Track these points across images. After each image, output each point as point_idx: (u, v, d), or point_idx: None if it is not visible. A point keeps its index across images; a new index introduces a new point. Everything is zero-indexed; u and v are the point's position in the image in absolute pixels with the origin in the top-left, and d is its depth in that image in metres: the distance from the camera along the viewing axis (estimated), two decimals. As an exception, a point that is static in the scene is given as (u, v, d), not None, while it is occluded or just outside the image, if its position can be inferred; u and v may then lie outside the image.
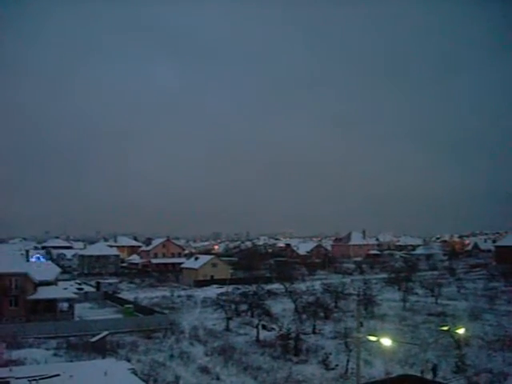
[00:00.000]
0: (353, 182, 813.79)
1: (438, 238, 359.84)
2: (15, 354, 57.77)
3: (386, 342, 38.51)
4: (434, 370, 49.24)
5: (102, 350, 60.13)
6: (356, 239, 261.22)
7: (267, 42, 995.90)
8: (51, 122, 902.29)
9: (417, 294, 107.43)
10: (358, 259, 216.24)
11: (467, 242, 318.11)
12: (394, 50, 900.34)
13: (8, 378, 39.47)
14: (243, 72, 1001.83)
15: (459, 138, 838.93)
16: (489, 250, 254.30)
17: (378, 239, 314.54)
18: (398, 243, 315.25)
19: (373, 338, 41.41)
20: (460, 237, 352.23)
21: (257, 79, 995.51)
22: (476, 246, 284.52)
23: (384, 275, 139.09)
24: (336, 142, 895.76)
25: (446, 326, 55.25)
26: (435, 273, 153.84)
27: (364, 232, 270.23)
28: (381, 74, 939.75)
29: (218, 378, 50.75)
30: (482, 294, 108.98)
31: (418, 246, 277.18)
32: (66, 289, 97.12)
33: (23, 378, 39.20)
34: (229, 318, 77.83)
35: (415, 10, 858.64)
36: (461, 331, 50.68)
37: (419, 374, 46.36)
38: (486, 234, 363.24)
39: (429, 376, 46.39)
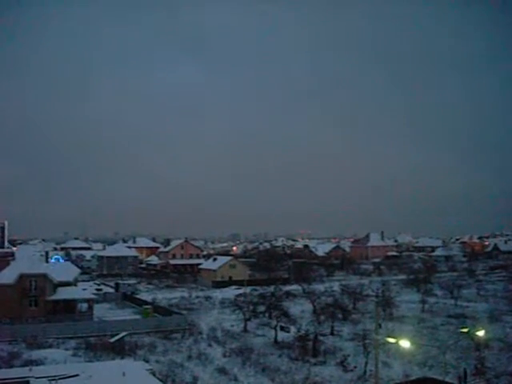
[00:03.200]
0: (371, 184, 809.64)
1: (457, 239, 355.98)
2: (35, 354, 58.36)
3: (405, 343, 38.31)
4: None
5: (120, 350, 60.44)
6: (374, 240, 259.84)
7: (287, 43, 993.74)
8: (70, 124, 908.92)
9: (436, 295, 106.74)
10: (377, 260, 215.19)
11: (487, 243, 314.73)
12: (412, 48, 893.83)
13: (28, 377, 39.74)
14: (263, 73, 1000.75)
15: (480, 138, 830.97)
16: (509, 252, 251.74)
17: (396, 240, 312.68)
18: (416, 244, 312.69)
19: (392, 340, 41.21)
20: (480, 238, 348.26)
21: (276, 80, 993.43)
22: (496, 247, 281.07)
23: (403, 276, 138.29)
24: (354, 143, 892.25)
25: (466, 328, 54.88)
26: (454, 274, 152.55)
27: (382, 233, 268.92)
28: (401, 75, 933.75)
29: (235, 379, 50.78)
30: (503, 296, 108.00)
31: (437, 247, 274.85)
32: (85, 289, 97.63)
33: (43, 377, 39.43)
34: (247, 319, 77.79)
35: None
36: (481, 333, 50.32)
37: (439, 377, 45.98)
38: (507, 235, 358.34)
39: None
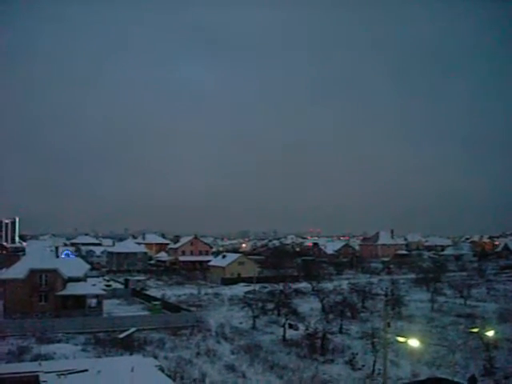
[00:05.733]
0: (382, 182, 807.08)
1: (467, 239, 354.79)
2: (45, 349, 58.70)
3: (414, 343, 38.25)
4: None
5: (129, 346, 60.66)
6: (384, 239, 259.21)
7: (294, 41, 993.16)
8: (80, 121, 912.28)
9: (445, 294, 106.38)
10: (386, 259, 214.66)
11: (497, 242, 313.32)
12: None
13: (37, 372, 39.98)
14: (276, 70, 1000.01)
15: (493, 136, 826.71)
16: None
17: (406, 239, 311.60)
18: (426, 243, 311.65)
19: (401, 339, 41.16)
20: (490, 238, 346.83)
21: (288, 77, 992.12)
22: (506, 247, 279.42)
23: (412, 275, 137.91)
24: (365, 141, 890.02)
25: (475, 327, 54.68)
26: (464, 274, 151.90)
27: (392, 232, 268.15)
28: (418, 73, 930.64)
29: (244, 376, 50.84)
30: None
31: (447, 246, 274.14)
32: (94, 285, 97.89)
33: (52, 372, 39.65)
34: (255, 317, 77.85)
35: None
36: (490, 333, 50.10)
37: (448, 377, 45.82)
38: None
39: None
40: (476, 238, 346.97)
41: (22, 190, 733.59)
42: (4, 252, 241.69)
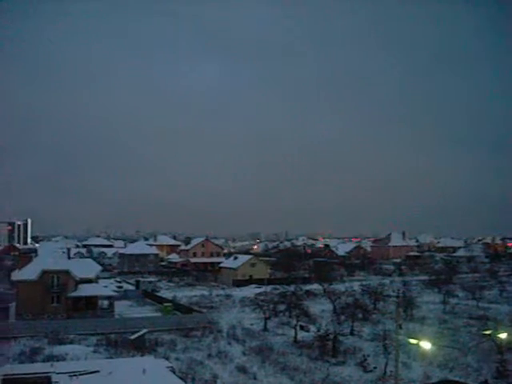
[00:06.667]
0: (393, 183, 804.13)
1: (479, 240, 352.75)
2: (57, 350, 58.97)
3: (426, 345, 38.01)
4: None
5: (140, 347, 60.85)
6: (396, 240, 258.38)
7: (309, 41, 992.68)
8: (92, 122, 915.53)
9: (457, 296, 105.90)
10: (398, 260, 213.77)
11: (510, 244, 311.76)
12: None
13: (49, 373, 40.15)
14: (290, 72, 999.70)
15: (506, 137, 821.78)
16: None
17: (418, 240, 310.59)
18: (438, 245, 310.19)
19: (413, 341, 40.91)
20: (503, 239, 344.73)
21: (303, 79, 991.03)
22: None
23: (424, 277, 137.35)
24: (373, 142, 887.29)
25: (488, 329, 54.35)
26: (476, 275, 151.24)
27: (404, 233, 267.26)
28: (436, 75, 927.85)
29: (255, 378, 50.85)
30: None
31: (459, 247, 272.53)
32: (106, 286, 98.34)
33: (64, 373, 39.80)
34: (267, 318, 77.80)
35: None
36: (503, 336, 49.79)
37: (461, 380, 45.60)
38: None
39: None
40: (488, 240, 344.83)
41: (34, 192, 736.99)
42: (16, 253, 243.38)
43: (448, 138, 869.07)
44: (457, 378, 47.83)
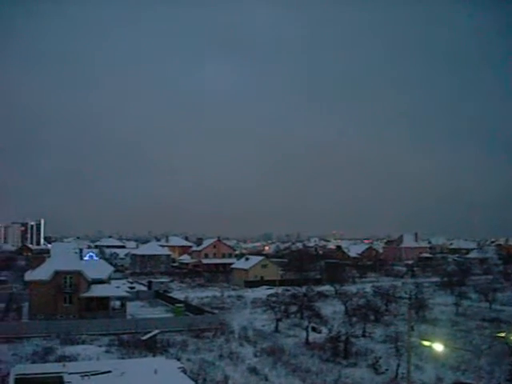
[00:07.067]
0: (405, 185, 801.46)
1: (492, 242, 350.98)
2: (69, 350, 59.24)
3: (438, 347, 37.86)
4: None
5: (152, 348, 60.96)
6: (408, 242, 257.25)
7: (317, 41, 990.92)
8: (105, 124, 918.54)
9: (470, 298, 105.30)
10: (410, 262, 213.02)
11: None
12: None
13: (61, 373, 40.28)
14: (302, 72, 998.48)
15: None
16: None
17: (430, 242, 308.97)
18: (451, 246, 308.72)
19: (425, 343, 40.76)
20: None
21: (315, 79, 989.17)
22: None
23: (436, 279, 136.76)
24: (388, 143, 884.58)
25: (501, 332, 53.99)
26: (489, 277, 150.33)
27: (416, 234, 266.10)
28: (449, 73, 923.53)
29: (266, 379, 50.77)
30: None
31: (472, 249, 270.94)
32: (118, 287, 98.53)
33: (76, 373, 39.91)
34: (278, 320, 77.73)
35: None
36: (516, 338, 49.43)
37: (474, 382, 45.30)
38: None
39: None
40: (501, 241, 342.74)
41: (47, 192, 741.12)
42: (29, 254, 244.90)
43: (462, 139, 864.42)
44: (469, 381, 47.51)
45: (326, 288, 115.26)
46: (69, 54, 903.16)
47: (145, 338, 63.78)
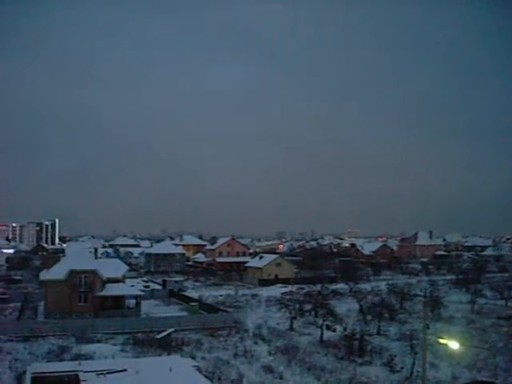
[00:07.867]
0: (420, 182, 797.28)
1: (508, 239, 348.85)
2: (84, 349, 59.59)
3: (454, 345, 37.58)
4: None
5: (167, 346, 61.13)
6: (422, 239, 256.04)
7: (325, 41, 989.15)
8: (119, 123, 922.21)
9: (486, 296, 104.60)
10: (425, 260, 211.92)
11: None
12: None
13: (77, 371, 40.59)
14: (312, 71, 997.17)
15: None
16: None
17: (445, 239, 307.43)
18: (466, 244, 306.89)
19: (441, 341, 40.48)
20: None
21: (329, 78, 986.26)
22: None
23: (451, 276, 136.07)
24: (401, 140, 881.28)
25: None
26: (505, 275, 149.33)
27: (431, 232, 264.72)
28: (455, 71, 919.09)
29: (281, 378, 50.73)
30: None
31: (487, 246, 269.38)
32: (133, 286, 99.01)
33: (91, 371, 40.22)
34: (293, 318, 77.67)
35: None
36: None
37: (490, 380, 45.01)
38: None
39: None
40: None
41: (62, 192, 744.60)
42: (44, 253, 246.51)
43: (475, 136, 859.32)
44: (485, 379, 47.21)
45: (341, 286, 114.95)
46: (92, 53, 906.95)
47: (159, 336, 63.97)
